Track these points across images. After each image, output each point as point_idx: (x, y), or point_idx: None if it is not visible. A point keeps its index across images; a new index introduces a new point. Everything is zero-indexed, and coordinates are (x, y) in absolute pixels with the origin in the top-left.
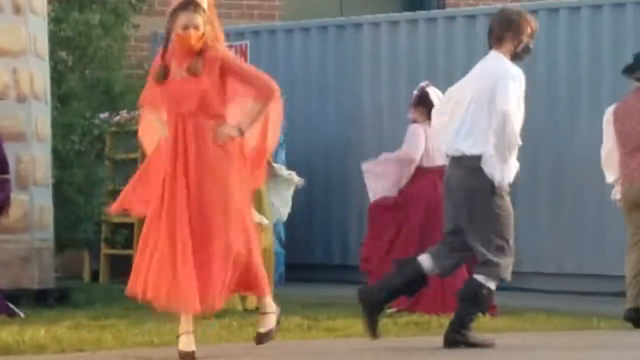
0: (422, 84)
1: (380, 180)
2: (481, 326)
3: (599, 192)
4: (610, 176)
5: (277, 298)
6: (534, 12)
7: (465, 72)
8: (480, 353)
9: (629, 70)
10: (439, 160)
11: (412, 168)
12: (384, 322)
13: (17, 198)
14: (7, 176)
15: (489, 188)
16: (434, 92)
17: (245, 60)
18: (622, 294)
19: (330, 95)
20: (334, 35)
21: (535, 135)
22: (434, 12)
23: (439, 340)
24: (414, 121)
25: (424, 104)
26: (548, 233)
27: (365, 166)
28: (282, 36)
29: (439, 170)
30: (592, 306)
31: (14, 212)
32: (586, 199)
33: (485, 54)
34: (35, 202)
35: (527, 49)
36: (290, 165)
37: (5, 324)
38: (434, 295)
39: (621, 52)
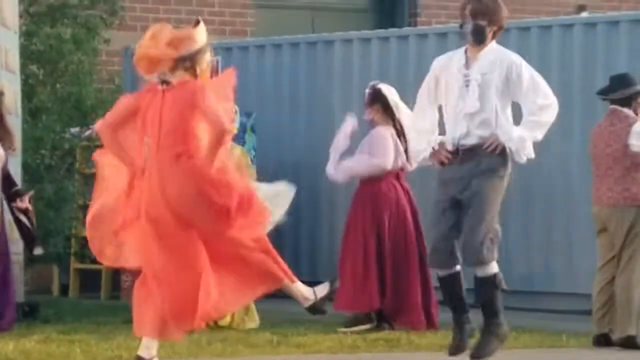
0: (373, 82)
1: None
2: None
3: (568, 211)
4: None
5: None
6: (507, 29)
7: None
8: None
9: (603, 92)
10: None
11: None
12: (353, 338)
13: None
14: None
15: None
16: (386, 88)
17: (216, 75)
18: (591, 312)
19: (302, 112)
20: (306, 52)
21: None
22: (406, 30)
23: (408, 356)
24: (372, 121)
25: (379, 100)
26: (517, 250)
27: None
28: (254, 52)
29: (396, 173)
30: (562, 324)
31: None
32: (556, 218)
33: None
34: (5, 216)
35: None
36: (259, 180)
37: None
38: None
39: (591, 74)
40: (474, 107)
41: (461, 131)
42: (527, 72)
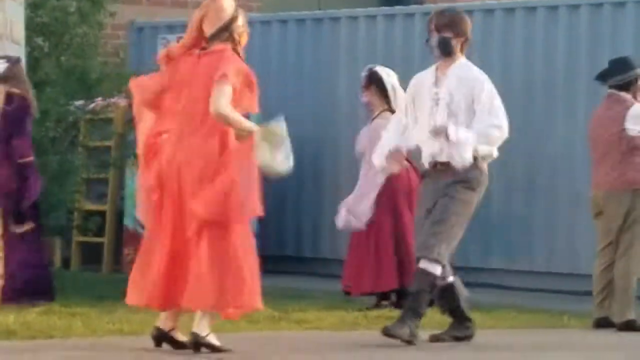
0: (370, 65)
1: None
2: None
3: (572, 193)
4: None
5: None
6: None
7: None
8: (454, 349)
9: (602, 77)
10: None
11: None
12: (354, 315)
13: None
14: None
15: None
16: (382, 70)
17: None
18: (592, 293)
19: (306, 88)
20: (312, 29)
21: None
22: (412, 8)
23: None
24: (368, 104)
25: (375, 83)
26: (520, 231)
27: (345, 206)
28: (259, 29)
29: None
30: (563, 304)
31: None
32: (559, 200)
33: None
34: None
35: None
36: None
37: None
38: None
39: (598, 57)
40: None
41: (434, 149)
42: (488, 94)
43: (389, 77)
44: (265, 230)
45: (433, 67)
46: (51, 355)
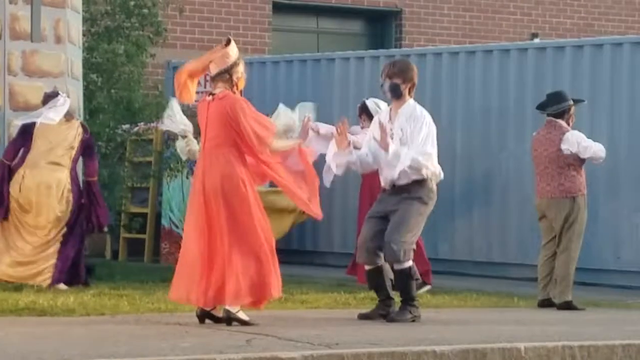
0: (363, 99)
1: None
2: (424, 302)
3: (521, 198)
4: None
5: None
6: (473, 52)
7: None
8: (424, 325)
9: (541, 107)
10: None
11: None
12: (346, 297)
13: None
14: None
15: None
16: (371, 102)
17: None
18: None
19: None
20: (311, 67)
21: (471, 153)
22: (393, 51)
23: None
24: (363, 128)
25: (365, 112)
26: (480, 229)
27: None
28: (270, 67)
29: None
30: (514, 288)
31: None
32: (510, 204)
33: (434, 83)
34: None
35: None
36: None
37: (42, 292)
38: None
39: (542, 91)
40: None
41: (393, 176)
42: (425, 129)
43: (377, 106)
44: None
45: (388, 108)
46: (103, 328)
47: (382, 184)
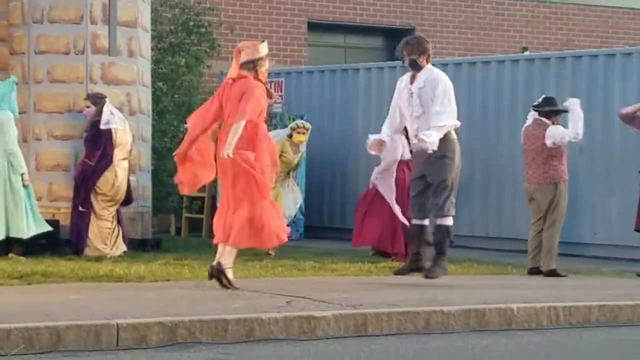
0: None
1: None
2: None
3: (513, 184)
4: None
5: (299, 249)
6: (473, 63)
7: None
8: (435, 288)
9: (536, 106)
10: (406, 156)
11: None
12: (368, 266)
13: (130, 179)
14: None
15: None
16: None
17: (281, 91)
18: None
19: (337, 116)
20: (340, 76)
21: (472, 147)
22: None
23: (405, 279)
24: None
25: None
26: (479, 209)
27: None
28: (305, 76)
29: (406, 162)
30: (508, 259)
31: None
32: (505, 188)
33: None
34: (139, 182)
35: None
36: (311, 163)
37: (118, 262)
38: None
39: (531, 95)
40: (418, 111)
41: (414, 128)
42: (442, 85)
43: None
44: (309, 210)
45: (410, 72)
46: (168, 292)
47: (409, 137)
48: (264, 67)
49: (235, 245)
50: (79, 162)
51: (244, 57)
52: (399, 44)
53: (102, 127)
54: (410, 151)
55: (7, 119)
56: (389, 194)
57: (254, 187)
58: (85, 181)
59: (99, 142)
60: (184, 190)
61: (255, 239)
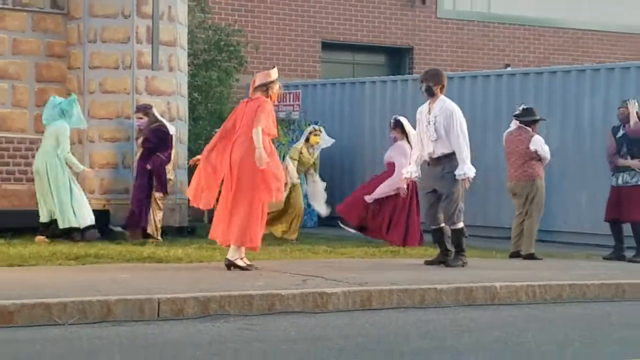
0: (395, 116)
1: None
2: (429, 253)
3: (497, 180)
4: None
5: (313, 236)
6: (463, 77)
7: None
8: (429, 270)
9: (517, 116)
10: None
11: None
12: (373, 250)
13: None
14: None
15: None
16: (404, 119)
17: (298, 101)
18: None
19: (346, 123)
20: (349, 89)
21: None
22: (407, 76)
23: (404, 260)
24: (394, 138)
25: (399, 126)
26: (468, 202)
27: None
28: (319, 88)
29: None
30: (492, 244)
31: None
32: (490, 185)
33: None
34: (178, 177)
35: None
36: (324, 161)
37: (159, 246)
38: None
39: (513, 106)
40: (433, 137)
41: (430, 150)
42: (455, 119)
43: (406, 122)
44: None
45: (427, 103)
46: (202, 272)
47: (424, 155)
48: (275, 89)
49: (237, 245)
50: (153, 157)
51: (257, 82)
52: (421, 74)
53: (171, 132)
54: (427, 163)
55: (63, 128)
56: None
57: (256, 194)
58: (161, 171)
59: (165, 143)
60: (196, 204)
61: (241, 238)
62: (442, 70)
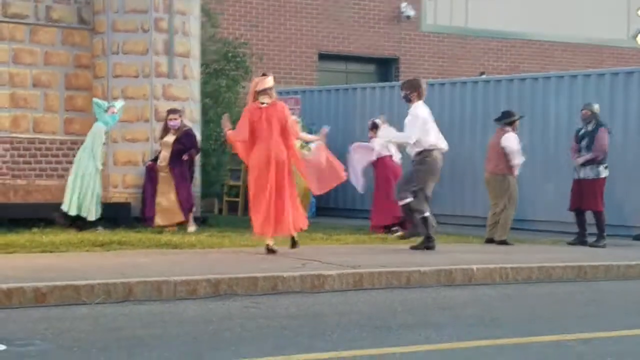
0: (373, 118)
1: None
2: (414, 240)
3: (473, 175)
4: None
5: (311, 224)
6: (443, 84)
7: (406, 116)
8: (414, 255)
9: (497, 119)
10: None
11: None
12: (364, 237)
13: None
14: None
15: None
16: (380, 121)
17: (298, 105)
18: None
19: (339, 125)
20: (342, 94)
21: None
22: (394, 83)
23: (394, 246)
24: (371, 137)
25: (375, 128)
26: (447, 194)
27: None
28: (316, 94)
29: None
30: (469, 231)
31: None
32: (466, 179)
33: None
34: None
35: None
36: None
37: (175, 234)
38: None
39: (488, 110)
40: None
41: (410, 150)
42: (409, 118)
43: (382, 123)
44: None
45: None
46: (213, 257)
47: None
48: (274, 93)
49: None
50: (186, 154)
51: (260, 87)
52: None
53: (197, 136)
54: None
55: (100, 129)
56: (358, 165)
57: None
58: (193, 166)
59: (195, 146)
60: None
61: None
62: (422, 78)
